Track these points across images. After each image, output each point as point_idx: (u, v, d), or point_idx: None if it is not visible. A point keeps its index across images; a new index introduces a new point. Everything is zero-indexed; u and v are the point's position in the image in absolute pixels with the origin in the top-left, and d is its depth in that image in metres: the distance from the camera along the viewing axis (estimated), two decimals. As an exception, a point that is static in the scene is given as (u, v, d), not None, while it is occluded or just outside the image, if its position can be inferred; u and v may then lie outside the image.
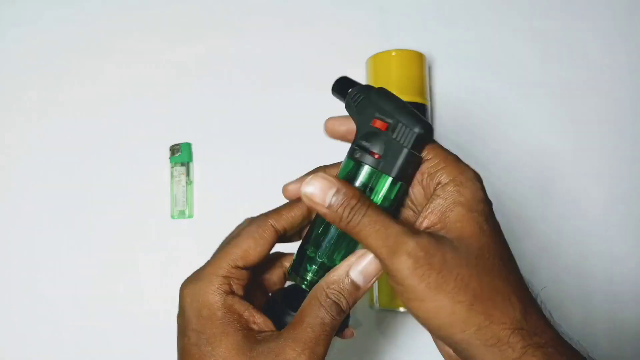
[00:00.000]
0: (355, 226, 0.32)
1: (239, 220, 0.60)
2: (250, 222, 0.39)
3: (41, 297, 0.58)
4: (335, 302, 0.34)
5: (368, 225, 0.32)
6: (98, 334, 0.57)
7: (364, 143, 0.35)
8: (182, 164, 0.61)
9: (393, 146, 0.34)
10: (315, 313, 0.34)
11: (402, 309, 0.55)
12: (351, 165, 0.35)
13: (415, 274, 0.31)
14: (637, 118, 0.65)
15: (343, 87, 0.37)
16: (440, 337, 0.33)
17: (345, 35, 0.65)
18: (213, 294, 0.36)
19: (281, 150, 0.62)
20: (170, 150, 0.61)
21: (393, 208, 0.35)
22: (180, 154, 0.60)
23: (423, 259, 0.31)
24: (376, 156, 0.34)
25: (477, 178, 0.34)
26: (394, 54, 0.59)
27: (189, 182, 0.60)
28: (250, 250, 0.37)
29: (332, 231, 0.36)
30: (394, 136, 0.34)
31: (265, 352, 0.33)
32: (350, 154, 0.35)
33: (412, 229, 0.32)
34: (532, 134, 0.64)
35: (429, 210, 0.33)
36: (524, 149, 0.63)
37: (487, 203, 0.33)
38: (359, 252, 0.35)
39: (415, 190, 0.36)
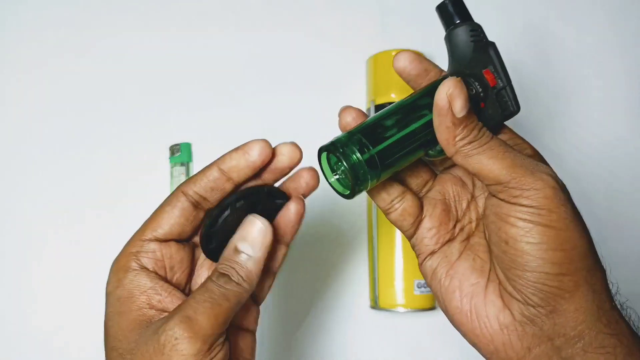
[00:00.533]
0: (482, 146, 0.32)
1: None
2: None
3: (40, 297, 0.58)
4: (223, 273, 0.32)
5: (499, 147, 0.32)
6: (97, 333, 0.57)
7: (470, 79, 0.34)
8: (182, 164, 0.60)
9: (492, 106, 0.34)
10: (203, 285, 0.32)
11: (402, 309, 0.55)
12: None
13: (558, 196, 0.30)
14: (636, 118, 0.65)
15: (455, 12, 0.37)
16: (546, 272, 0.30)
17: (345, 35, 0.65)
18: (115, 273, 0.34)
19: (281, 150, 0.62)
20: (170, 150, 0.61)
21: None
22: (180, 154, 0.60)
23: (562, 185, 0.31)
24: (482, 105, 0.34)
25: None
26: (394, 53, 0.59)
27: (189, 182, 0.60)
28: (162, 222, 0.35)
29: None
30: (497, 96, 0.34)
31: (150, 332, 0.31)
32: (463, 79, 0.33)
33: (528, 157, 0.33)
34: (532, 134, 0.64)
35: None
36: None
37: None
38: (246, 219, 0.33)
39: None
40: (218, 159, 0.36)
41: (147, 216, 0.59)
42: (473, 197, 0.37)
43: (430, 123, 0.33)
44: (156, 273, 0.34)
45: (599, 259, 0.32)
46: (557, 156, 0.64)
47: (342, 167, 0.32)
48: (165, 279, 0.35)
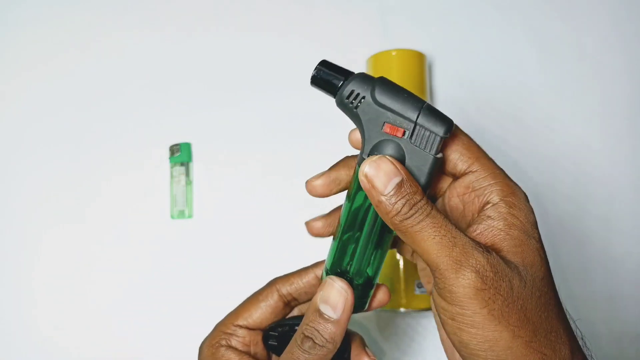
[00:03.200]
0: (414, 226, 0.28)
1: (238, 220, 0.60)
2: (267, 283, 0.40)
3: (38, 297, 0.58)
4: (307, 336, 0.33)
5: (430, 228, 0.28)
6: (97, 334, 0.57)
7: (373, 152, 0.30)
8: (182, 164, 0.60)
9: (416, 154, 0.29)
10: (289, 349, 0.34)
11: (402, 309, 0.55)
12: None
13: (480, 296, 0.27)
14: (635, 118, 0.65)
15: (329, 78, 0.31)
16: None
17: (345, 35, 0.65)
18: (209, 347, 0.38)
19: (281, 151, 0.62)
20: (169, 150, 0.61)
21: None
22: (180, 154, 0.60)
23: (492, 280, 0.27)
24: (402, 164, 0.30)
25: (527, 199, 0.31)
26: (394, 53, 0.59)
27: (189, 182, 0.60)
28: (251, 312, 0.38)
29: (364, 240, 0.33)
30: (413, 142, 0.29)
31: None
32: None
33: (480, 244, 0.29)
34: (533, 135, 0.64)
35: (479, 231, 0.30)
36: (523, 150, 0.63)
37: (538, 228, 0.30)
38: (326, 281, 0.34)
39: (452, 204, 0.32)
40: (316, 264, 0.39)
41: (146, 216, 0.60)
42: None
43: (371, 215, 0.33)
44: (243, 351, 0.38)
45: (549, 339, 0.29)
46: (557, 156, 0.64)
47: None
48: (249, 354, 0.38)
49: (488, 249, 0.28)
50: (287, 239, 0.58)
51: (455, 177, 0.32)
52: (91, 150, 0.62)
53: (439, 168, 0.31)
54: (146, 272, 0.59)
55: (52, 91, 0.63)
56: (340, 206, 0.35)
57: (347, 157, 0.36)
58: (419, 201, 0.29)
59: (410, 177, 0.29)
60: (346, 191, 0.34)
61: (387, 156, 0.29)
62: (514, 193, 0.30)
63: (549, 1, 0.68)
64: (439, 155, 0.30)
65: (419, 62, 0.59)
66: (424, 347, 0.59)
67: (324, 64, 0.32)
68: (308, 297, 0.39)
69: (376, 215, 0.32)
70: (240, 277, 0.59)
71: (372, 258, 0.34)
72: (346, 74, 0.31)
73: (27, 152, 0.62)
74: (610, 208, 0.62)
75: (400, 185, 0.29)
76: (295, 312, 0.40)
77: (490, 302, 0.27)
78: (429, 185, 0.30)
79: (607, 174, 0.63)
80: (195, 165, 0.61)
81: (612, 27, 0.67)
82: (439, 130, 0.29)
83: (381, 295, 0.37)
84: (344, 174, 0.35)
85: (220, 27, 0.65)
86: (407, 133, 0.29)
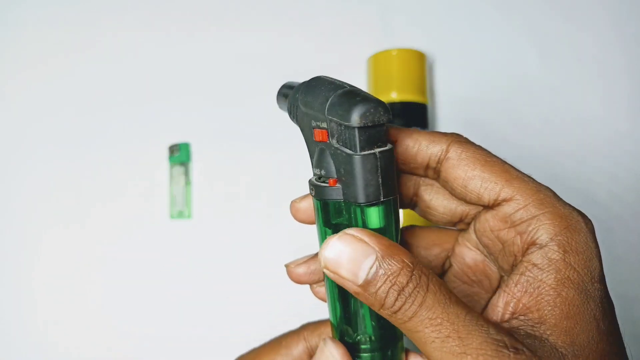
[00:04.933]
0: (406, 323, 0.21)
1: (238, 220, 0.60)
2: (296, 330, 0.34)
3: (37, 297, 0.58)
4: None
5: (427, 327, 0.20)
6: (97, 334, 0.57)
7: (316, 170, 0.25)
8: (181, 164, 0.60)
9: (342, 159, 0.22)
10: None
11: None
12: (319, 207, 0.25)
13: None
14: (636, 118, 0.65)
15: (281, 98, 0.28)
16: None
17: (345, 35, 0.65)
18: None
19: (281, 151, 0.62)
20: (169, 150, 0.61)
21: (390, 233, 0.24)
22: (179, 154, 0.60)
23: None
24: (330, 182, 0.24)
25: (592, 233, 0.23)
26: (394, 53, 0.59)
27: (188, 182, 0.60)
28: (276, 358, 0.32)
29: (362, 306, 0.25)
30: (335, 144, 0.23)
31: None
32: (311, 192, 0.25)
33: (501, 333, 0.20)
34: (534, 134, 0.64)
35: (518, 286, 0.22)
36: (525, 149, 0.63)
37: (603, 279, 0.22)
38: (321, 345, 0.26)
39: (485, 241, 0.25)
40: None
41: (145, 216, 0.60)
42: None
43: None
44: None
45: None
46: (557, 156, 0.63)
47: None
48: None
49: (517, 349, 0.20)
50: (287, 240, 0.58)
51: (486, 207, 0.25)
52: (90, 150, 0.61)
53: (389, 159, 0.22)
54: (145, 272, 0.58)
55: (52, 91, 0.63)
56: None
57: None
58: (406, 285, 0.21)
59: (391, 248, 0.21)
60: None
61: (352, 231, 0.22)
62: (570, 226, 0.22)
63: (549, 1, 0.68)
64: (378, 149, 0.22)
65: (420, 61, 0.59)
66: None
67: (283, 87, 0.28)
68: None
69: None
70: (240, 278, 0.59)
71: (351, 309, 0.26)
72: (289, 91, 0.26)
73: (27, 152, 0.61)
74: (612, 208, 0.62)
75: (377, 266, 0.21)
76: None
77: None
78: (376, 190, 0.22)
79: (608, 174, 0.63)
80: (195, 166, 0.61)
81: (612, 27, 0.67)
82: (348, 118, 0.21)
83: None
84: None
85: (220, 27, 0.65)
86: (329, 133, 0.23)
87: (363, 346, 0.26)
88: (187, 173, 0.60)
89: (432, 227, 0.30)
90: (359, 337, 0.26)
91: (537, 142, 0.63)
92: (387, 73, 0.59)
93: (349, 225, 0.23)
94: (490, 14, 0.67)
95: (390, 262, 0.21)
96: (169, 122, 0.62)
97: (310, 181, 0.25)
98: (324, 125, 0.23)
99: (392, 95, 0.57)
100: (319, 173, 0.24)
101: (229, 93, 0.63)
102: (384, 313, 0.21)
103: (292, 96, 0.26)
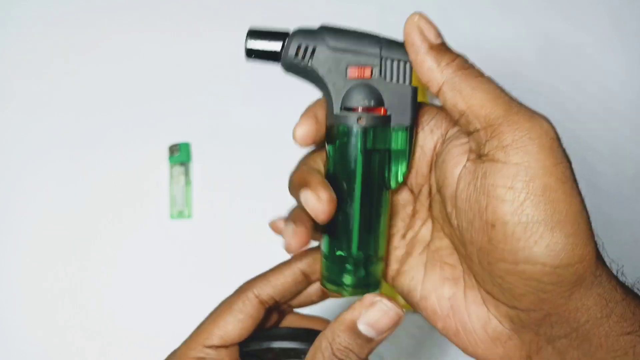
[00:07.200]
0: (477, 76, 0.29)
1: (238, 220, 0.60)
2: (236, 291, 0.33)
3: (37, 297, 0.58)
4: (340, 358, 0.27)
5: (491, 82, 0.29)
6: (96, 334, 0.57)
7: (354, 104, 0.27)
8: (181, 164, 0.60)
9: (392, 91, 0.27)
10: None
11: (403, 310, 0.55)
12: (360, 133, 0.27)
13: (556, 152, 0.26)
14: (636, 118, 0.65)
15: (266, 47, 0.29)
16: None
17: (345, 35, 0.65)
18: None
19: (281, 151, 0.62)
20: (169, 150, 0.61)
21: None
22: (179, 154, 0.60)
23: (560, 143, 0.27)
24: (382, 112, 0.27)
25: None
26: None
27: (188, 182, 0.60)
28: (228, 326, 0.31)
29: (359, 214, 0.28)
30: (385, 78, 0.27)
31: None
32: (344, 124, 0.27)
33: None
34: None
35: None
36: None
37: None
38: (368, 299, 0.28)
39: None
40: (298, 257, 0.32)
41: (146, 216, 0.60)
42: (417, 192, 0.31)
43: (360, 168, 0.28)
44: None
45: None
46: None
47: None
48: None
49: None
50: (287, 239, 0.58)
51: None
52: (90, 150, 0.61)
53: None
54: (145, 272, 0.58)
55: (52, 91, 0.63)
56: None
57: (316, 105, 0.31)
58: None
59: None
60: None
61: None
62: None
63: (549, 1, 0.68)
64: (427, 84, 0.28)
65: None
66: (424, 346, 0.59)
67: (254, 33, 0.30)
68: (292, 297, 0.32)
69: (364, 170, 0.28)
70: (240, 278, 0.58)
71: (373, 228, 0.29)
72: (283, 36, 0.29)
73: (26, 152, 0.61)
74: (612, 208, 0.62)
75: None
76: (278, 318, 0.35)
77: (561, 165, 0.26)
78: (415, 118, 0.28)
79: (609, 174, 0.63)
80: (195, 166, 0.61)
81: (612, 27, 0.67)
82: (407, 56, 0.28)
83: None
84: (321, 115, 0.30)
85: (220, 27, 0.65)
86: (374, 71, 0.27)
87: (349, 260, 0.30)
88: (187, 173, 0.60)
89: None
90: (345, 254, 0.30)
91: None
92: (387, 73, 0.59)
93: (379, 150, 0.28)
94: (490, 14, 0.67)
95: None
96: (169, 122, 0.62)
97: (353, 111, 0.27)
98: (369, 62, 0.27)
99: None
100: (358, 105, 0.27)
101: (229, 93, 0.63)
102: (448, 68, 0.29)
103: (306, 42, 0.27)
